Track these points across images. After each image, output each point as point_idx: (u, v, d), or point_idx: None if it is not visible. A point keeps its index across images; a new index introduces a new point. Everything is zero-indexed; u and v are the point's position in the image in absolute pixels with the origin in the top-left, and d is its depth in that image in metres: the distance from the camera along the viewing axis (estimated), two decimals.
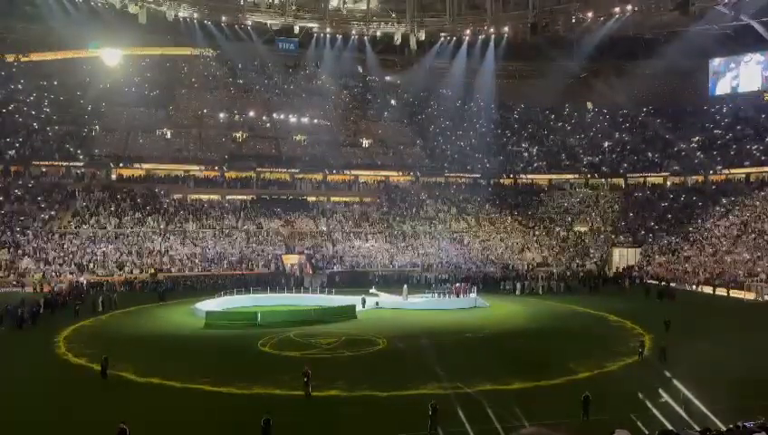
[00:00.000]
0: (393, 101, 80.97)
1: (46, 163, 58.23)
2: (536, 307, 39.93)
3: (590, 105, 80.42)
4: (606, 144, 75.25)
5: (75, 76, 65.58)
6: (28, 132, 60.19)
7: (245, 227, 56.47)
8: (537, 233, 64.08)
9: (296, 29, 65.74)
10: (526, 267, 56.52)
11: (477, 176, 72.18)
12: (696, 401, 17.21)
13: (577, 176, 72.53)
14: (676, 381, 19.36)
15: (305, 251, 54.19)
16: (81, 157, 59.55)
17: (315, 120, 72.97)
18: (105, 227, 52.21)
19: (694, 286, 48.93)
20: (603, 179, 71.44)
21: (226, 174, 63.53)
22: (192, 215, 56.68)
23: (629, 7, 57.79)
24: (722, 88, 72.02)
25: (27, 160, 57.47)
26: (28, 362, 24.99)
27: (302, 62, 77.20)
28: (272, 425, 16.12)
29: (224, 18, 64.19)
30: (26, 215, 51.34)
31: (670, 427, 14.69)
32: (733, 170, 63.85)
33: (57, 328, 31.06)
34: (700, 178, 66.09)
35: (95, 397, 20.49)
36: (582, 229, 64.64)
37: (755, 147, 63.87)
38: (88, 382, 22.20)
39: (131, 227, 53.03)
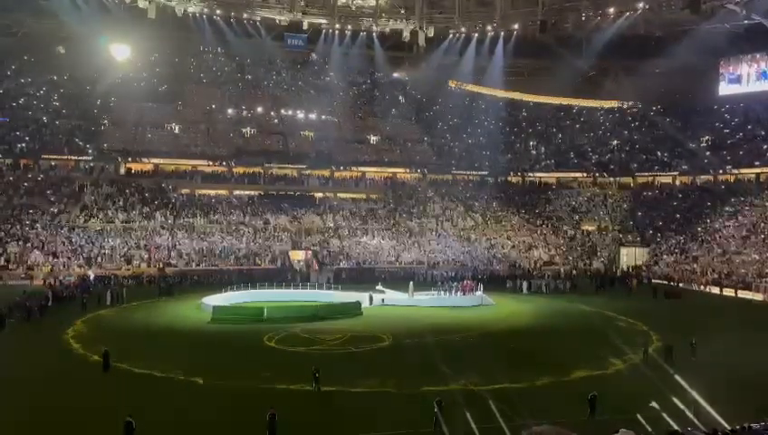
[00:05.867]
0: (401, 98, 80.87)
1: (56, 157, 58.56)
2: (542, 306, 39.82)
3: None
4: (614, 143, 74.90)
5: (85, 70, 65.79)
6: (38, 126, 60.55)
7: (253, 223, 56.59)
8: (544, 231, 63.83)
9: (305, 25, 65.77)
10: (533, 266, 56.38)
11: (485, 173, 72.01)
12: (703, 402, 17.13)
13: (585, 174, 72.19)
14: (682, 381, 19.28)
15: (312, 247, 54.26)
16: (90, 151, 59.82)
17: (323, 117, 72.98)
18: (113, 222, 52.49)
19: (702, 287, 48.68)
20: (611, 178, 71.10)
21: (234, 169, 63.65)
22: (199, 210, 56.86)
23: (640, 5, 57.50)
24: (732, 87, 71.35)
25: (37, 154, 57.80)
26: (34, 355, 25.12)
27: (310, 58, 77.20)
28: (277, 420, 16.19)
29: (233, 14, 64.37)
30: (35, 208, 51.65)
31: (676, 427, 14.63)
32: (742, 170, 63.35)
33: (65, 321, 31.24)
34: (709, 178, 65.67)
35: (98, 390, 20.52)
36: (590, 228, 64.36)
37: (765, 147, 63.31)
38: (91, 375, 22.30)
39: (139, 222, 53.26)
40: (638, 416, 16.10)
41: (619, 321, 34.49)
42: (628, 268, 56.85)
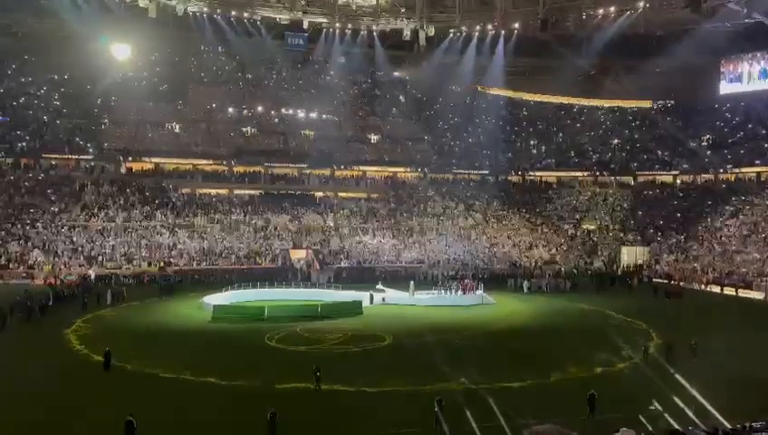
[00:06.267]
0: (401, 97, 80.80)
1: (56, 156, 58.53)
2: (542, 305, 39.83)
3: None
4: (615, 142, 74.86)
5: (85, 70, 65.75)
6: (39, 125, 60.53)
7: (253, 222, 56.59)
8: (545, 230, 63.83)
9: (305, 24, 65.75)
10: (533, 265, 56.36)
11: (485, 172, 72.01)
12: (703, 400, 17.12)
13: (586, 173, 72.17)
14: (683, 380, 19.26)
15: (312, 246, 54.28)
16: (90, 150, 59.83)
17: (323, 116, 72.93)
18: (114, 221, 52.50)
19: (702, 286, 48.65)
20: (612, 177, 71.09)
21: (235, 169, 63.64)
22: (200, 209, 56.87)
23: (641, 4, 57.47)
24: (733, 86, 71.30)
25: (37, 153, 57.77)
26: (35, 354, 25.11)
27: (310, 57, 77.13)
28: (277, 419, 16.19)
29: (233, 12, 64.34)
30: (36, 207, 51.68)
31: (677, 426, 14.61)
32: (743, 169, 63.34)
33: (65, 320, 31.24)
34: (710, 177, 65.60)
35: (98, 389, 20.55)
36: (591, 227, 64.37)
37: (766, 146, 63.26)
38: (92, 375, 22.31)
39: (140, 221, 53.28)
40: (639, 415, 16.09)
41: (619, 320, 34.48)
42: (628, 267, 56.78)
